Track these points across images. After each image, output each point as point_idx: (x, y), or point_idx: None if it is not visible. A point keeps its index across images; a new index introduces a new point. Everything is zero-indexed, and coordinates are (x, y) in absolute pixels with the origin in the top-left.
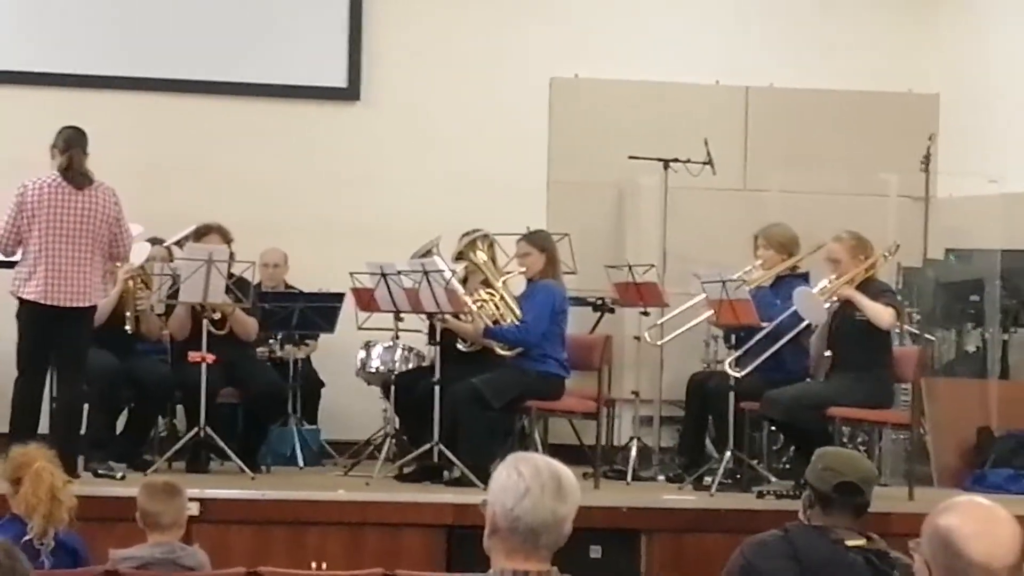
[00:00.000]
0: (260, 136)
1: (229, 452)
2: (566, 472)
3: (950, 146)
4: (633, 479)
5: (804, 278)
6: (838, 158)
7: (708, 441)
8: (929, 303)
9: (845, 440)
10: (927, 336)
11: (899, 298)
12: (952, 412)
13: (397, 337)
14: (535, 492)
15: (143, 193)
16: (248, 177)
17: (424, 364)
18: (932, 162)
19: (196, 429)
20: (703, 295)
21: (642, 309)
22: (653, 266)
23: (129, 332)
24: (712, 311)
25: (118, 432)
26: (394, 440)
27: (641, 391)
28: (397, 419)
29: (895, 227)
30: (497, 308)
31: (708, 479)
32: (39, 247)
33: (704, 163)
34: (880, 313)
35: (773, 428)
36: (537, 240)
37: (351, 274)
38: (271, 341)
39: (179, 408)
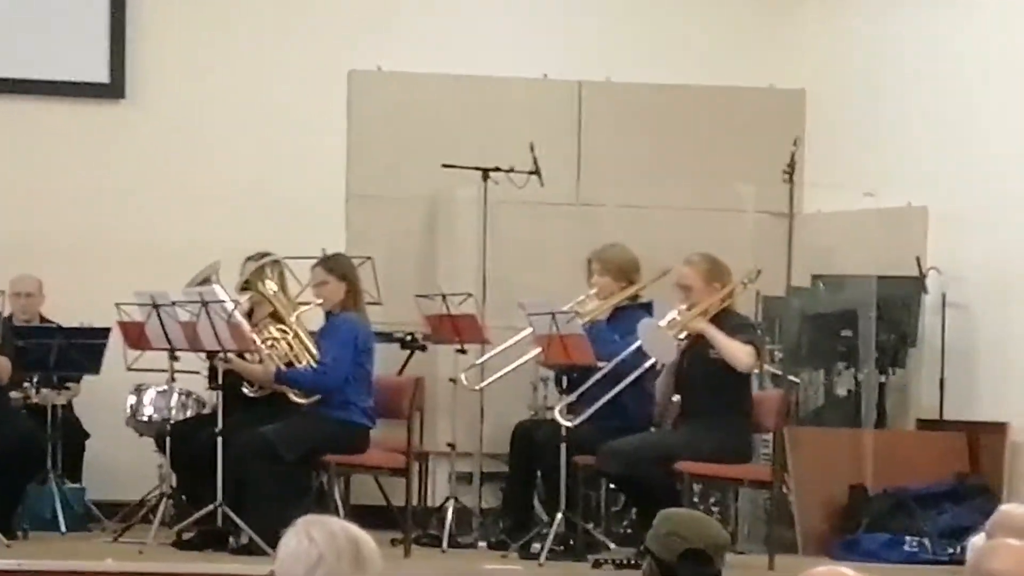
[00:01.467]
0: (6, 140)
1: None
2: (365, 538)
3: (818, 152)
4: (450, 546)
5: (647, 309)
6: (687, 167)
7: (536, 501)
8: (794, 339)
9: (696, 500)
10: (791, 378)
11: (759, 333)
12: (820, 467)
13: (173, 380)
14: (330, 561)
15: None
16: None
17: (204, 411)
18: (797, 171)
19: None
20: (529, 330)
21: (459, 346)
22: (471, 295)
23: None
24: (540, 348)
25: None
26: (171, 501)
27: (458, 443)
28: (174, 476)
29: (754, 248)
30: (290, 347)
31: (537, 545)
32: None
33: (530, 172)
34: (737, 352)
35: (612, 486)
36: (335, 266)
37: (117, 305)
38: (25, 385)
39: None
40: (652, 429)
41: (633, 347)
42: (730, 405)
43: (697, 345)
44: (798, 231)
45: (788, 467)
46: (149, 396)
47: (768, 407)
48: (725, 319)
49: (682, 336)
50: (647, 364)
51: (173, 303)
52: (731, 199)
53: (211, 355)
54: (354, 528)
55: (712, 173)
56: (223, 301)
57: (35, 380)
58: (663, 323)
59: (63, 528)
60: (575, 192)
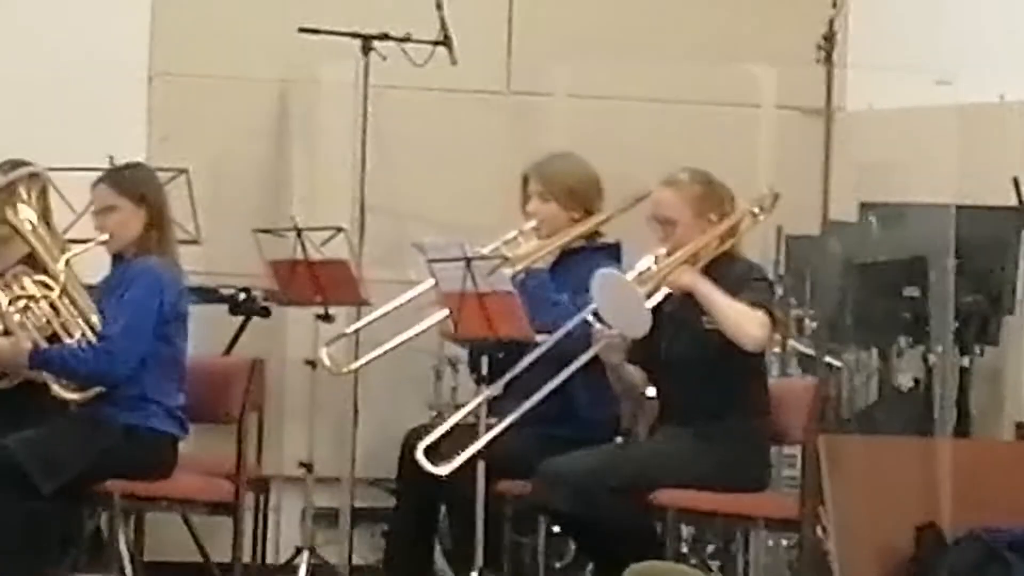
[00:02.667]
0: None
1: None
2: None
3: (868, 21)
4: None
5: (610, 254)
6: (673, 38)
7: (438, 552)
8: (833, 301)
9: (684, 549)
10: (829, 360)
11: (778, 292)
12: (872, 496)
13: None
14: None
15: None
16: None
17: None
18: (838, 48)
19: None
20: (430, 283)
21: (321, 310)
22: (341, 230)
23: None
24: (448, 312)
25: None
26: None
27: (317, 463)
28: None
29: (774, 163)
30: (55, 311)
31: None
32: None
33: (436, 43)
34: (743, 319)
35: (556, 528)
36: (128, 182)
37: None
38: None
39: None
40: (617, 440)
41: (587, 312)
42: (734, 403)
43: (683, 310)
44: (839, 136)
45: (824, 497)
46: None
47: (793, 405)
48: (726, 270)
49: (660, 296)
50: (607, 338)
51: None
52: (740, 88)
53: None
54: None
55: (711, 49)
56: None
57: None
58: (632, 275)
59: None
60: (504, 74)
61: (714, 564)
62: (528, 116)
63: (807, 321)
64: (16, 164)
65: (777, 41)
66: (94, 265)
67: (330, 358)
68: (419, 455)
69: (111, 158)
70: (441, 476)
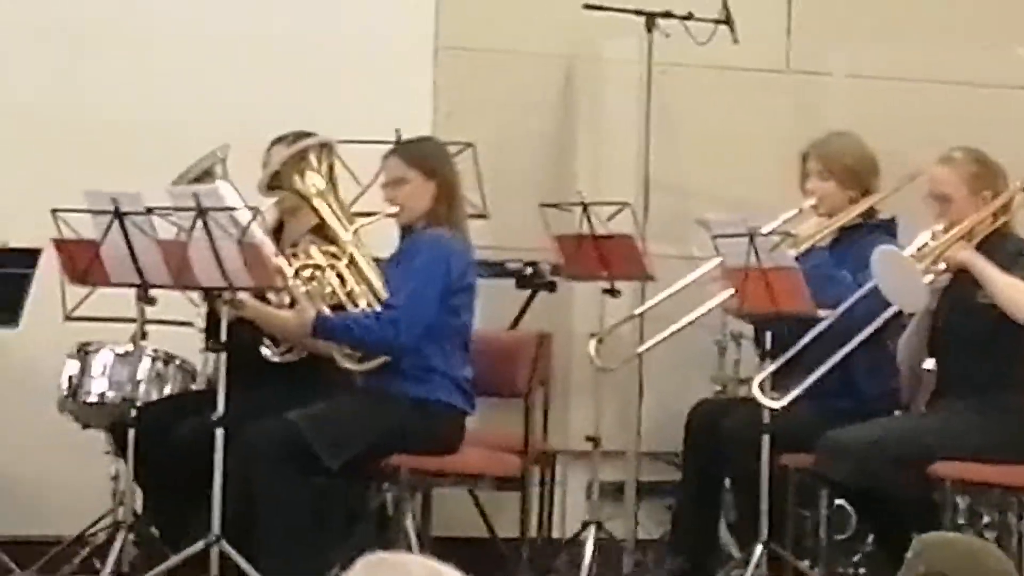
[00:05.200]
0: None
1: None
2: None
3: None
4: None
5: (888, 230)
6: (947, 19)
7: (723, 525)
8: None
9: (962, 520)
10: None
11: None
12: None
13: (143, 337)
14: None
15: None
16: None
17: (195, 388)
18: None
19: None
20: (716, 260)
21: (607, 284)
22: (627, 205)
23: None
24: (732, 289)
25: None
26: (133, 536)
27: (604, 437)
28: (140, 494)
29: None
30: (341, 281)
31: None
32: None
33: (718, 22)
34: (1018, 294)
35: (838, 499)
36: (418, 155)
37: (54, 213)
38: None
39: None
40: (896, 413)
41: (866, 289)
42: (1010, 376)
43: (960, 285)
44: None
45: None
46: (102, 363)
47: None
48: (998, 246)
49: (939, 271)
50: (887, 314)
51: (148, 210)
52: (1013, 69)
53: (210, 296)
54: (445, 572)
55: (985, 31)
56: (233, 208)
57: None
58: (910, 251)
59: None
60: (784, 54)
61: (990, 535)
62: (807, 95)
63: None
64: (303, 135)
65: None
66: (382, 238)
67: (612, 341)
68: (755, 388)
69: (398, 131)
70: (728, 447)
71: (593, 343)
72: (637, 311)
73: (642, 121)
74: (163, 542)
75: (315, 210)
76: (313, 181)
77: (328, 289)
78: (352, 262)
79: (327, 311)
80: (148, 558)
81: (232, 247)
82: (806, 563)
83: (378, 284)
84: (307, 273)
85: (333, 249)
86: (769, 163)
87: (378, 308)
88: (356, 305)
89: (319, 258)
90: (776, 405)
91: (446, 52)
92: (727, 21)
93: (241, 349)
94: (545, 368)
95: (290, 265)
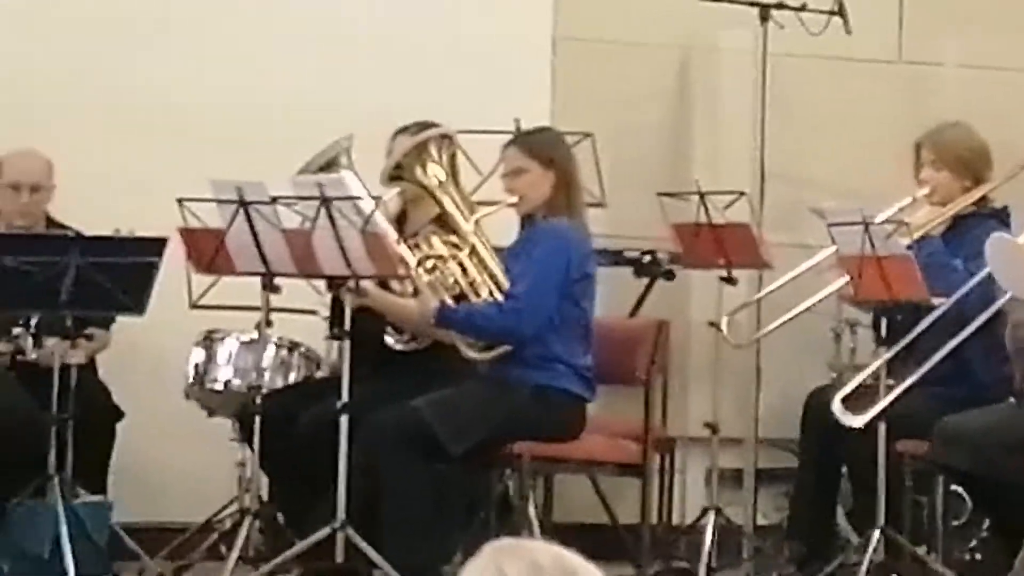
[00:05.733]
0: None
1: None
2: (589, 573)
3: None
4: None
5: (1000, 218)
6: None
7: (840, 513)
8: None
9: None
10: None
11: None
12: None
13: (268, 324)
14: None
15: None
16: None
17: (319, 375)
18: None
19: None
20: (831, 249)
21: (724, 272)
22: (743, 194)
23: None
24: (846, 277)
25: None
26: (259, 522)
27: (722, 424)
28: (265, 481)
29: None
30: (463, 271)
31: None
32: None
33: (831, 13)
34: None
35: (954, 486)
36: (538, 146)
37: (180, 202)
38: (16, 331)
39: None
40: (1011, 400)
41: (980, 276)
42: None
43: None
44: None
45: None
46: (227, 351)
47: None
48: None
49: None
50: (1001, 302)
51: (273, 199)
52: None
53: (334, 284)
54: (570, 558)
55: None
56: (357, 197)
57: (34, 324)
58: None
59: (71, 573)
60: (896, 45)
61: None
62: (919, 85)
63: None
64: (425, 125)
65: None
66: (502, 228)
67: (733, 326)
68: (836, 406)
69: (517, 122)
70: (844, 434)
71: (725, 319)
72: (757, 296)
73: (757, 111)
74: (289, 528)
75: (437, 201)
76: (434, 172)
77: (451, 280)
78: (474, 252)
79: (450, 301)
80: (274, 544)
81: (355, 236)
82: (922, 549)
83: (500, 274)
84: (430, 264)
85: (455, 239)
86: (882, 152)
87: (500, 298)
88: (478, 295)
89: (441, 249)
90: (857, 423)
91: (564, 43)
92: (840, 12)
93: (365, 337)
94: (664, 356)
95: (414, 255)
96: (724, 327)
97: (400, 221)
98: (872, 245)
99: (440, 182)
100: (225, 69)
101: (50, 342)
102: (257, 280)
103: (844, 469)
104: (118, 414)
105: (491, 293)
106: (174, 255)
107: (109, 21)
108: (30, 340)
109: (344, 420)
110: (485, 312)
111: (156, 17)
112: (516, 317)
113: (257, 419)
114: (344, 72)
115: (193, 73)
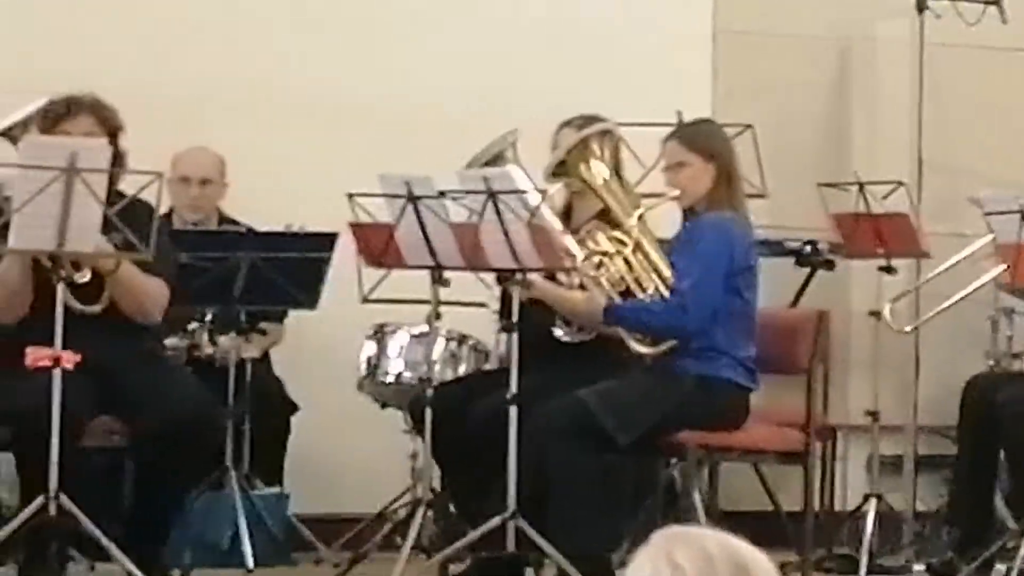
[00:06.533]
0: None
1: (108, 544)
2: (758, 561)
3: None
4: (869, 572)
5: None
6: None
7: (999, 498)
8: None
9: None
10: None
11: None
12: None
13: (438, 317)
14: None
15: None
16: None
17: (488, 367)
18: None
19: (41, 500)
20: (988, 237)
21: (883, 262)
22: (902, 184)
23: None
24: (1005, 265)
25: None
26: (431, 512)
27: (883, 412)
28: (437, 472)
29: None
30: (628, 265)
31: (1000, 568)
32: None
33: (987, 2)
34: None
35: None
36: (699, 139)
37: (350, 197)
38: (192, 327)
39: (2, 458)
40: None
41: None
42: None
43: None
44: None
45: None
46: (398, 344)
47: None
48: None
49: None
50: None
51: (441, 194)
52: None
53: (502, 278)
54: (739, 546)
55: None
56: (523, 191)
57: (209, 319)
58: None
59: (250, 562)
60: None
61: None
62: None
63: None
64: (589, 119)
65: None
66: (666, 221)
67: (893, 314)
68: None
69: (679, 114)
70: (1001, 421)
71: (887, 307)
72: (917, 284)
73: (914, 101)
74: (461, 518)
75: (600, 197)
76: (597, 169)
77: (616, 276)
78: (638, 247)
79: (616, 298)
80: (446, 534)
81: (522, 229)
82: None
83: (664, 268)
84: (595, 260)
85: (619, 235)
86: None
87: (665, 293)
88: (643, 290)
89: (606, 245)
90: None
91: (724, 35)
92: (996, 1)
93: (533, 329)
94: (824, 345)
95: (580, 249)
96: (887, 314)
97: (565, 214)
98: None
99: (604, 179)
100: (392, 64)
101: (225, 337)
102: (426, 273)
103: (1002, 455)
104: (292, 407)
105: (656, 288)
106: (345, 249)
107: (280, 20)
108: (205, 335)
109: (513, 411)
110: (651, 308)
111: (325, 14)
112: (681, 313)
113: (428, 411)
114: (509, 67)
115: (362, 69)
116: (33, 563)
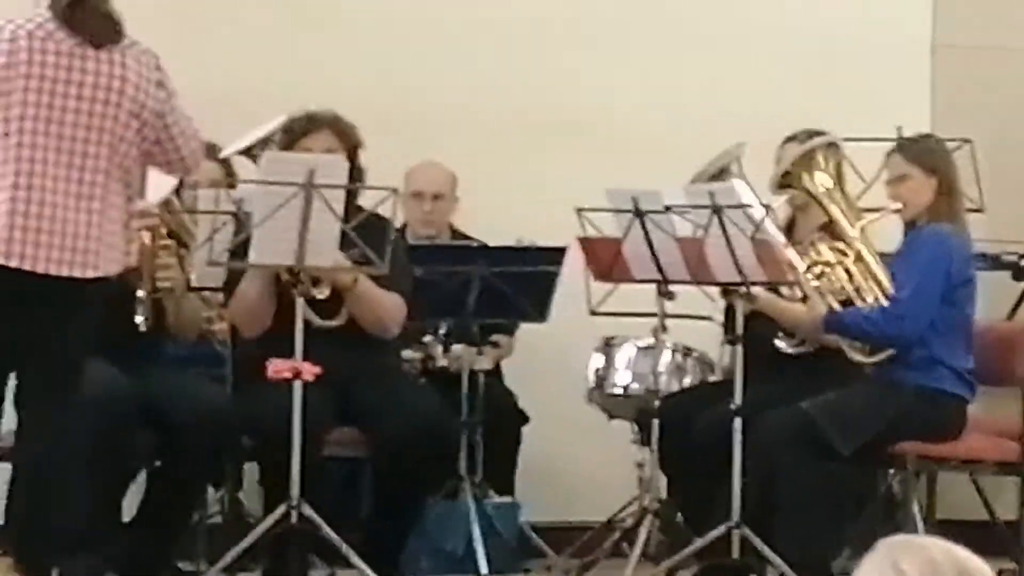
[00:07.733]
0: None
1: (348, 552)
2: (980, 568)
3: None
4: None
5: None
6: None
7: None
8: None
9: None
10: None
11: None
12: None
13: (664, 330)
14: None
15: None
16: (367, 21)
17: (712, 379)
18: None
19: (284, 508)
20: None
21: None
22: None
23: (142, 328)
24: None
25: (127, 517)
26: (659, 521)
27: None
28: (664, 481)
29: None
30: (849, 276)
31: None
32: (5, 155)
33: None
34: None
35: None
36: (921, 153)
37: (579, 212)
38: (426, 339)
39: (246, 468)
40: None
41: None
42: None
43: None
44: None
45: None
46: (625, 356)
47: None
48: None
49: None
50: None
51: (667, 208)
52: None
53: (727, 291)
54: (962, 554)
55: None
56: (748, 205)
57: (442, 332)
58: None
59: (483, 568)
60: None
61: None
62: None
63: None
64: (813, 134)
65: None
66: (888, 234)
67: None
68: None
69: (899, 128)
70: None
71: None
72: None
73: None
74: (687, 527)
75: (824, 208)
76: (821, 180)
77: (838, 285)
78: (859, 258)
79: (837, 307)
80: (673, 542)
81: (746, 243)
82: None
83: (884, 280)
84: (817, 270)
85: (841, 246)
86: None
87: (884, 303)
88: (863, 300)
89: (828, 255)
90: None
91: (943, 49)
92: None
93: (757, 342)
94: None
95: (802, 261)
96: None
97: (788, 229)
98: None
99: (827, 189)
100: (618, 81)
101: (458, 349)
102: (652, 287)
103: None
104: (524, 418)
105: (876, 299)
106: (573, 263)
107: (513, 38)
108: (440, 347)
109: (738, 422)
110: (870, 317)
111: (561, 31)
112: (899, 323)
113: (655, 422)
114: (735, 82)
115: (588, 84)
116: (276, 569)
